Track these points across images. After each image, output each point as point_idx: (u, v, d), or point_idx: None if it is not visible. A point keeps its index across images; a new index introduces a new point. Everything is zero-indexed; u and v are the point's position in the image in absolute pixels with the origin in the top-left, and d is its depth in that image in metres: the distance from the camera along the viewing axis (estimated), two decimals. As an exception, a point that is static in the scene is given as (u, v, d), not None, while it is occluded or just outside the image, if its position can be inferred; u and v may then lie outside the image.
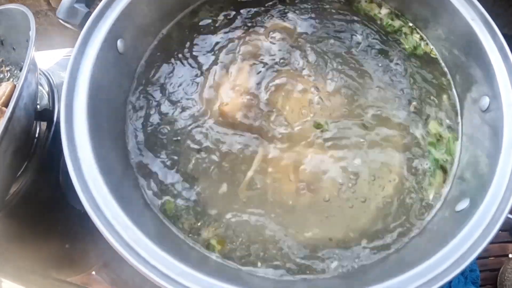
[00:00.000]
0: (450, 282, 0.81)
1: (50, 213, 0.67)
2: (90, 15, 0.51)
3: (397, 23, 0.67)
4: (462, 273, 0.82)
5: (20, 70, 0.68)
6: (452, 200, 0.54)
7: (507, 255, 0.98)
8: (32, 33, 0.56)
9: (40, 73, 0.71)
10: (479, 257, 1.00)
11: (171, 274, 0.42)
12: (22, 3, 0.99)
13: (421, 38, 0.66)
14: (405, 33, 0.66)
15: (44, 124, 0.66)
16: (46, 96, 0.69)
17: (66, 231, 0.70)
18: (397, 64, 0.63)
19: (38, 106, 0.66)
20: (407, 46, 0.65)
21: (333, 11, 0.67)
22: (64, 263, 0.75)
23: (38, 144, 0.64)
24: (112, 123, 0.53)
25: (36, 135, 0.65)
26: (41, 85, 0.70)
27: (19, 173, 0.61)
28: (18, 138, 0.56)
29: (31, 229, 0.66)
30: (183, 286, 0.41)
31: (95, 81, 0.48)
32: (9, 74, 0.70)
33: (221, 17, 0.65)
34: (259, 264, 0.51)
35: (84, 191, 0.42)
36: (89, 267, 0.78)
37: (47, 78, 0.71)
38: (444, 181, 0.57)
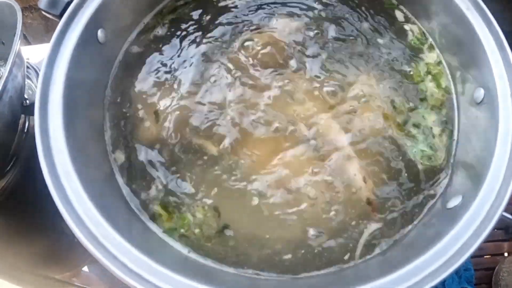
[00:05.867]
0: (443, 282, 0.79)
1: (38, 210, 0.66)
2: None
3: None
4: (456, 272, 0.80)
5: (10, 64, 0.67)
6: (444, 197, 0.51)
7: (502, 254, 0.96)
8: (18, 27, 0.56)
9: (30, 67, 0.70)
10: (473, 256, 0.98)
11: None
12: (16, -3, 0.99)
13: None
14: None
15: (33, 119, 0.65)
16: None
17: (54, 228, 0.69)
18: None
19: (27, 101, 0.65)
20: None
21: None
22: (52, 260, 0.74)
23: (26, 139, 0.63)
24: (90, 115, 0.52)
25: (25, 130, 0.64)
26: (30, 79, 0.69)
27: (7, 169, 0.60)
28: (3, 133, 0.55)
29: (18, 225, 0.65)
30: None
31: (73, 72, 0.47)
32: (-1, 69, 0.70)
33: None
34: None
35: (56, 188, 0.42)
36: (79, 264, 0.78)
37: (37, 73, 0.70)
38: (438, 177, 0.54)
